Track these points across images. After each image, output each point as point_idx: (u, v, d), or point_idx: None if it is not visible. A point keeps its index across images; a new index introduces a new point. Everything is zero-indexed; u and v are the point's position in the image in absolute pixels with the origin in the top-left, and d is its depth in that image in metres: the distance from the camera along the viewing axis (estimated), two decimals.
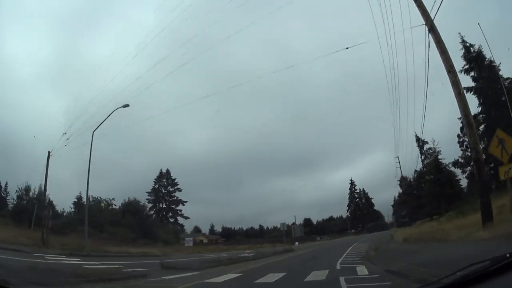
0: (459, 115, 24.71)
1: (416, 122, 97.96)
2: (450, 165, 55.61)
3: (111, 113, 36.71)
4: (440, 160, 57.83)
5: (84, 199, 55.67)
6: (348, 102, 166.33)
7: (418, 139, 67.99)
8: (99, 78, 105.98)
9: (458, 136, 50.31)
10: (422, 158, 67.07)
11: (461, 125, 49.08)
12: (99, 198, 63.84)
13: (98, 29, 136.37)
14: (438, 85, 27.97)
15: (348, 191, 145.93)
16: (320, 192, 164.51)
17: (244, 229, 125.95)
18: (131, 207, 66.60)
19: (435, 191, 54.85)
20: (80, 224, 41.49)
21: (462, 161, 50.66)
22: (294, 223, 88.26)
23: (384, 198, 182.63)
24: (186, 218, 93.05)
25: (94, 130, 36.40)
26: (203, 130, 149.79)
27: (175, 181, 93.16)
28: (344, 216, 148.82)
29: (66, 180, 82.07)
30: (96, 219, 48.41)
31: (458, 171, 53.93)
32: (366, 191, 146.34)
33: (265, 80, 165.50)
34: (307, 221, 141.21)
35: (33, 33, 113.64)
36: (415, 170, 68.40)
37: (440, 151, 58.05)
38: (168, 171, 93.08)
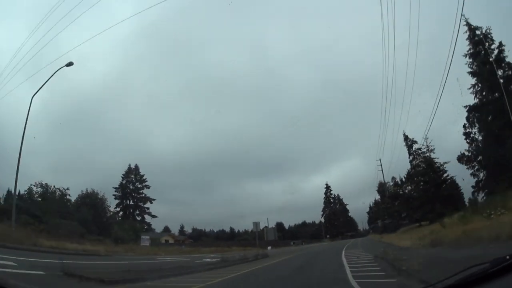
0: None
1: (404, 123, 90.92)
2: (444, 165, 49.37)
3: (53, 74, 34.17)
4: (434, 159, 50.83)
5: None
6: (326, 107, 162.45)
7: (406, 138, 61.57)
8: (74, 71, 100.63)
9: (464, 126, 43.54)
10: (411, 158, 60.69)
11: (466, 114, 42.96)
12: (48, 186, 55.10)
13: (76, 22, 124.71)
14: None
15: (324, 195, 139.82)
16: (293, 197, 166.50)
17: (216, 231, 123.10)
18: (88, 199, 60.14)
19: (429, 193, 47.89)
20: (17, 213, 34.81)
21: (469, 154, 43.62)
22: (266, 226, 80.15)
23: (358, 205, 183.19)
24: (154, 216, 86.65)
25: (33, 95, 34.25)
26: (178, 130, 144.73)
27: (144, 178, 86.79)
28: (317, 221, 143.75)
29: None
30: (38, 207, 43.17)
31: (460, 171, 47.40)
32: (341, 197, 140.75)
33: (242, 82, 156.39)
34: (280, 226, 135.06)
35: (8, 22, 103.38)
36: (408, 172, 61.45)
37: (434, 149, 51.07)
38: (136, 167, 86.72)
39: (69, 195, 57.42)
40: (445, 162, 49.37)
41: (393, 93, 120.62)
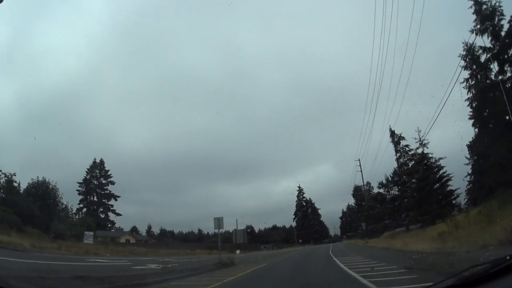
0: None
1: (386, 122, 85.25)
2: (440, 160, 42.75)
3: None
4: (427, 154, 44.01)
5: None
6: (298, 111, 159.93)
7: (392, 134, 55.06)
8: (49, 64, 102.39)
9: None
10: (397, 156, 54.27)
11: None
12: None
13: (50, 15, 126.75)
14: None
15: (296, 198, 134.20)
16: (264, 200, 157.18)
17: (185, 233, 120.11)
18: (37, 189, 53.86)
19: (423, 192, 41.13)
20: None
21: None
22: (235, 229, 71.73)
23: (330, 211, 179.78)
24: (118, 214, 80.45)
25: None
26: (148, 129, 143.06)
27: (109, 173, 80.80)
28: (288, 226, 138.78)
29: None
30: None
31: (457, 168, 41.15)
32: (313, 202, 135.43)
33: (213, 83, 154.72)
34: (249, 229, 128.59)
35: None
36: (395, 171, 54.66)
37: (428, 143, 44.13)
38: (102, 161, 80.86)
39: (16, 181, 49.94)
40: (441, 158, 42.96)
41: (374, 94, 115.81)
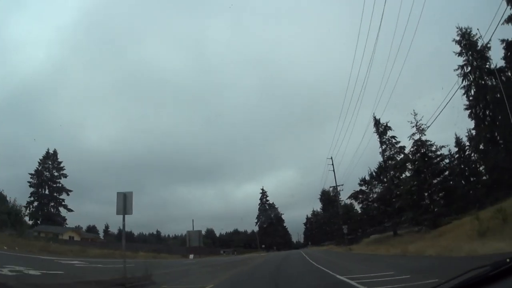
0: None
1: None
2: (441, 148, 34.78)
3: None
4: (427, 142, 35.29)
5: None
6: (264, 115, 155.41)
7: (377, 123, 46.75)
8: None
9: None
10: (383, 148, 45.90)
11: None
12: None
13: (20, 6, 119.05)
14: None
15: (259, 201, 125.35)
16: (226, 204, 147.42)
17: (147, 234, 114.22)
18: None
19: (423, 187, 32.46)
20: None
21: None
22: (189, 230, 60.97)
23: (293, 217, 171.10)
24: (70, 210, 73.14)
25: None
26: (111, 126, 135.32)
27: (62, 166, 73.29)
28: (249, 231, 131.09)
29: None
30: None
31: None
32: (277, 206, 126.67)
33: (179, 82, 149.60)
34: (210, 232, 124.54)
35: None
36: (380, 166, 45.88)
37: (426, 128, 35.33)
38: (55, 152, 73.38)
39: None
40: (443, 146, 34.82)
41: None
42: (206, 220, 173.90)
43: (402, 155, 41.69)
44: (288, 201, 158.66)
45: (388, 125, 46.03)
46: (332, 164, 62.00)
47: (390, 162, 44.40)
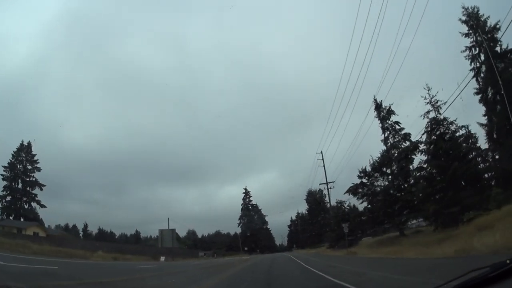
0: None
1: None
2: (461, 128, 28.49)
3: None
4: (445, 120, 28.58)
5: None
6: (246, 115, 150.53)
7: (378, 106, 40.11)
8: None
9: None
10: (386, 135, 39.16)
11: None
12: None
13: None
14: None
15: (242, 201, 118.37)
16: (209, 206, 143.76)
17: (129, 235, 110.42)
18: None
19: (446, 173, 25.44)
20: None
21: None
22: (161, 229, 52.72)
23: (276, 220, 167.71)
24: (43, 206, 68.06)
25: None
26: (91, 124, 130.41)
27: (36, 159, 68.30)
28: (233, 233, 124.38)
29: None
30: None
31: None
32: (260, 208, 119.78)
33: (160, 79, 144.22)
34: (192, 234, 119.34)
35: None
36: (382, 155, 38.63)
37: (442, 105, 28.65)
38: (29, 144, 68.44)
39: None
40: (463, 126, 28.44)
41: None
42: (188, 221, 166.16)
43: (408, 143, 35.23)
44: (272, 204, 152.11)
45: (391, 108, 39.41)
46: (322, 159, 55.24)
47: (394, 150, 37.65)
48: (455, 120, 28.68)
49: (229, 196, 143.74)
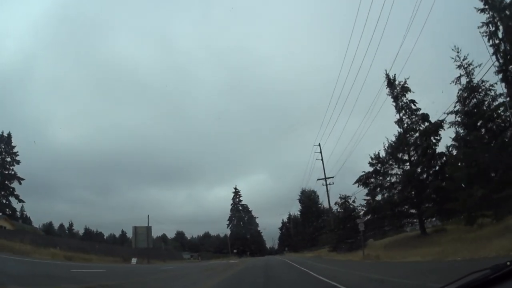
0: None
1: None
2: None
3: None
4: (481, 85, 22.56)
5: None
6: (235, 115, 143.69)
7: (391, 83, 33.30)
8: None
9: None
10: (400, 115, 32.26)
11: None
12: None
13: None
14: None
15: (231, 201, 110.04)
16: (198, 207, 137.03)
17: (117, 235, 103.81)
18: None
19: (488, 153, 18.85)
20: None
21: None
22: (135, 226, 44.55)
23: (267, 222, 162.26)
24: (21, 201, 63.09)
25: None
26: (78, 122, 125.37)
27: (15, 151, 63.08)
28: (223, 235, 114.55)
29: None
30: None
31: None
32: (250, 209, 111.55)
33: (147, 78, 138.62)
34: (180, 235, 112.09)
35: None
36: (398, 137, 31.69)
37: (476, 67, 23.07)
38: (9, 135, 63.16)
39: None
40: (501, 94, 22.20)
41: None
42: (177, 223, 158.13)
43: (427, 124, 28.74)
44: (263, 206, 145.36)
45: (406, 85, 32.66)
46: (320, 152, 48.41)
47: (411, 133, 30.96)
48: (493, 86, 22.60)
49: (218, 197, 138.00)
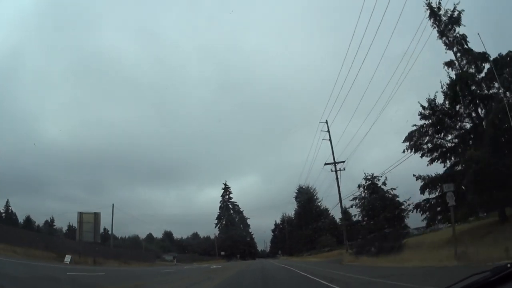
0: None
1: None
2: None
3: None
4: None
5: None
6: (225, 113, 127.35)
7: (434, 12, 22.63)
8: None
9: None
10: (455, 51, 21.06)
11: None
12: None
13: None
14: None
15: (220, 198, 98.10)
16: (187, 207, 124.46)
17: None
18: None
19: None
20: None
21: None
22: (80, 212, 32.02)
23: (258, 225, 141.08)
24: None
25: None
26: (64, 116, 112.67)
27: None
28: (213, 237, 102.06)
29: None
30: None
31: None
32: (242, 209, 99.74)
33: (133, 72, 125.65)
34: (167, 235, 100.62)
35: None
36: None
37: None
38: None
39: None
40: None
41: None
42: (168, 224, 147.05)
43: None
44: (254, 208, 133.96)
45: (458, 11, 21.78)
46: (328, 131, 37.17)
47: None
48: None
49: (208, 198, 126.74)
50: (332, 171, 34.76)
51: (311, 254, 51.73)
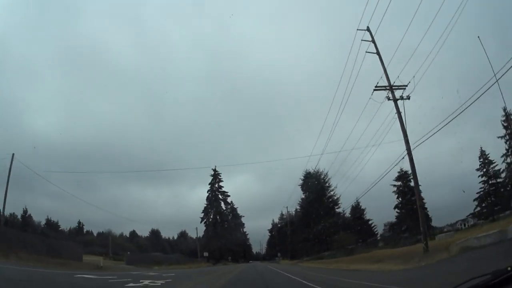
0: None
1: None
2: None
3: None
4: None
5: None
6: (217, 108, 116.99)
7: None
8: None
9: None
10: None
11: None
12: None
13: None
14: None
15: (208, 187, 79.59)
16: (177, 206, 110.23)
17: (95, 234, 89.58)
18: None
19: None
20: None
21: None
22: None
23: (253, 226, 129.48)
24: None
25: None
26: (52, 109, 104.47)
27: None
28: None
29: None
30: None
31: None
32: (236, 206, 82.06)
33: (123, 63, 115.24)
34: (155, 233, 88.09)
35: None
36: None
37: None
38: None
39: None
40: None
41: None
42: (159, 224, 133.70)
43: None
44: (249, 208, 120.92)
45: None
46: (373, 40, 20.81)
47: None
48: None
49: (200, 198, 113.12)
50: (389, 99, 18.47)
51: (328, 259, 35.02)
